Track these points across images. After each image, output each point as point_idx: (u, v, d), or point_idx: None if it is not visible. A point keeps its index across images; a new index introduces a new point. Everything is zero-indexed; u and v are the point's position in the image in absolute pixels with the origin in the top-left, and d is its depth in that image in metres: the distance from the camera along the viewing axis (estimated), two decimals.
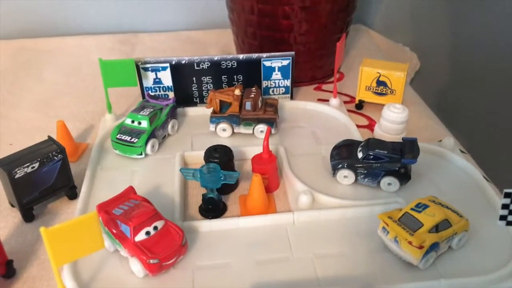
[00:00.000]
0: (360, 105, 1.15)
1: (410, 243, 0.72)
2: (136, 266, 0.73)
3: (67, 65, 1.37)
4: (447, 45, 1.76)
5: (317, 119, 1.10)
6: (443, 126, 1.11)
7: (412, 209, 0.76)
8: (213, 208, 0.86)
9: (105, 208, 0.78)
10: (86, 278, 0.74)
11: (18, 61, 1.39)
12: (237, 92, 1.01)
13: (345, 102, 1.17)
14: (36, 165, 0.83)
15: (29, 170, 0.82)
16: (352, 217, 0.84)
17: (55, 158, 0.85)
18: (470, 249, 0.78)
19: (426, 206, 0.76)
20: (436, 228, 0.74)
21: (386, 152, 0.88)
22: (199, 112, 1.11)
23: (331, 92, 1.16)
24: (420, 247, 0.72)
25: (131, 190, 0.82)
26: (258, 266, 0.76)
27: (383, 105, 1.05)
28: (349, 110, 1.14)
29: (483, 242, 0.79)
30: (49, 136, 0.88)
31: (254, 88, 1.04)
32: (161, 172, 0.95)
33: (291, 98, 1.16)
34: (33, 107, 1.18)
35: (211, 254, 0.78)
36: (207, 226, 0.82)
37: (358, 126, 1.07)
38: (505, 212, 0.70)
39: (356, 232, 0.82)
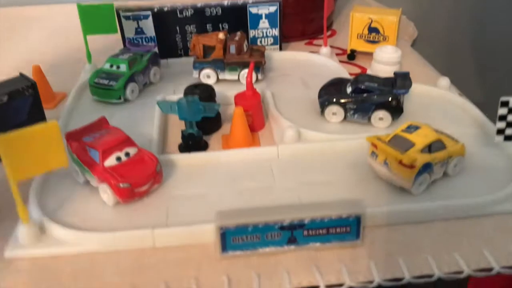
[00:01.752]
0: (352, 55, 1.10)
1: (400, 162, 0.67)
2: (105, 193, 0.68)
3: (52, 29, 1.33)
4: (445, 13, 1.72)
5: (307, 67, 1.05)
6: (438, 73, 1.06)
7: (402, 130, 0.71)
8: (193, 144, 0.81)
9: (74, 136, 0.73)
10: (53, 208, 0.69)
11: (3, 27, 1.35)
12: (221, 36, 0.97)
13: (336, 55, 1.12)
14: (5, 98, 0.78)
15: None
16: (340, 150, 0.79)
17: (26, 93, 0.80)
18: (467, 177, 0.72)
19: (417, 128, 0.70)
20: (429, 148, 0.68)
21: (376, 84, 0.83)
22: (183, 63, 1.07)
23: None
24: (411, 166, 0.66)
25: (103, 120, 0.77)
26: (238, 195, 0.71)
27: None
28: (341, 61, 1.09)
29: (481, 170, 0.74)
30: (20, 73, 0.84)
31: (239, 32, 0.99)
32: (140, 116, 0.90)
33: (280, 49, 1.11)
34: (15, 63, 1.14)
35: (188, 185, 0.73)
36: (185, 159, 0.77)
37: (350, 75, 1.02)
38: (502, 124, 0.65)
39: (345, 164, 0.76)
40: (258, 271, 0.60)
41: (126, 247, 0.63)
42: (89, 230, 0.64)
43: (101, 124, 0.76)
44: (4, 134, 0.56)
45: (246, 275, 0.60)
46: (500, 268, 0.59)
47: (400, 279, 0.59)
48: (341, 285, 0.58)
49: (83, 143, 0.71)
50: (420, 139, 0.68)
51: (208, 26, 1.07)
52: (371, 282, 0.59)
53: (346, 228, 0.62)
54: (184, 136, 0.81)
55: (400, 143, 0.69)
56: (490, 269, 0.60)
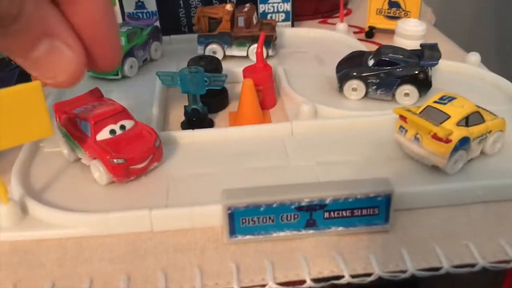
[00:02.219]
0: (371, 32, 1.01)
1: (434, 136, 0.58)
2: (98, 171, 0.60)
3: None
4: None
5: (322, 45, 0.97)
6: (464, 52, 0.97)
7: (435, 101, 0.62)
8: (197, 121, 0.73)
9: (63, 108, 0.65)
10: (38, 187, 0.61)
11: None
12: (229, 7, 0.89)
13: (354, 33, 1.04)
14: None
15: None
16: (363, 127, 0.70)
17: (12, 63, 0.73)
18: (507, 156, 0.64)
19: (452, 98, 0.62)
20: (466, 122, 0.60)
21: (401, 56, 0.74)
22: (187, 40, 0.98)
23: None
24: (447, 141, 0.57)
25: (96, 91, 0.69)
26: (248, 174, 0.63)
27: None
28: (359, 39, 1.00)
29: None
30: None
31: (247, 4, 0.91)
32: (140, 94, 0.82)
33: (292, 25, 1.03)
34: None
35: (191, 164, 0.65)
36: (188, 136, 0.69)
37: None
38: None
39: (368, 142, 0.68)
40: (272, 258, 0.52)
41: (119, 230, 0.55)
42: (78, 211, 0.56)
43: (95, 95, 0.68)
44: None
45: (257, 262, 0.51)
46: None
47: (437, 269, 0.50)
48: (369, 274, 0.50)
49: (73, 115, 0.63)
50: (456, 110, 0.60)
51: (214, 1, 0.98)
52: (404, 271, 0.50)
53: (374, 209, 0.53)
54: (187, 112, 0.73)
55: (433, 115, 0.60)
56: None
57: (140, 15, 0.98)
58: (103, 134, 0.61)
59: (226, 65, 0.87)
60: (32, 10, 0.30)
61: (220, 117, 0.77)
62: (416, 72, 0.73)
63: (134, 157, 0.59)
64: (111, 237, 0.55)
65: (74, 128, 0.62)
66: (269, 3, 1.00)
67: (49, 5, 0.32)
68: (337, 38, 0.97)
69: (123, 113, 0.63)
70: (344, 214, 0.53)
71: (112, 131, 0.61)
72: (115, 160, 0.58)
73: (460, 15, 1.62)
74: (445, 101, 0.61)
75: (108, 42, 0.35)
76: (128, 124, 0.63)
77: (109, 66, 0.36)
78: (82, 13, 0.33)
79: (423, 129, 0.59)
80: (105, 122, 0.61)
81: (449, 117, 0.59)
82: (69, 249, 0.54)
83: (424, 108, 0.62)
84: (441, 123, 0.59)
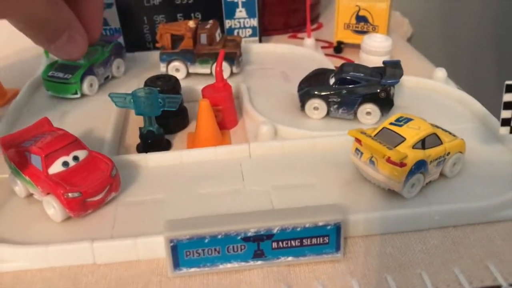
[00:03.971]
0: (339, 47, 1.00)
1: (388, 160, 0.56)
2: (51, 208, 0.57)
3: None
4: (439, 10, 1.62)
5: (289, 60, 0.95)
6: (434, 66, 0.96)
7: (391, 123, 0.60)
8: (152, 143, 0.70)
9: (11, 142, 0.62)
10: None
11: None
12: (191, 24, 0.87)
13: (322, 48, 1.02)
14: None
15: None
16: (322, 148, 0.69)
17: None
18: (467, 178, 0.62)
19: (409, 120, 0.60)
20: (423, 144, 0.58)
21: (362, 74, 0.73)
22: (151, 57, 0.96)
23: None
24: (402, 165, 0.56)
25: (45, 121, 0.66)
26: (200, 199, 0.61)
27: None
28: (327, 55, 0.99)
29: (483, 170, 0.63)
30: None
31: (210, 21, 0.89)
32: (97, 114, 0.79)
33: (260, 41, 1.01)
34: None
35: (143, 190, 0.63)
36: (142, 160, 0.67)
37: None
38: (508, 113, 0.55)
39: (327, 164, 0.66)
40: None
41: (61, 263, 0.53)
42: (17, 243, 0.53)
43: (43, 125, 0.65)
44: None
45: None
46: (508, 285, 0.49)
47: None
48: None
49: (22, 149, 0.60)
50: (412, 132, 0.58)
51: (179, 16, 0.97)
52: None
53: (324, 238, 0.51)
54: (143, 134, 0.70)
55: (388, 137, 0.59)
56: (497, 287, 0.49)
57: (103, 32, 0.96)
58: (56, 167, 0.58)
59: (189, 83, 0.85)
60: (59, 14, 0.48)
61: (179, 138, 0.75)
62: (378, 90, 0.71)
63: (90, 189, 0.57)
64: (52, 270, 0.52)
65: (24, 162, 0.59)
66: (235, 19, 0.98)
67: (66, 6, 0.49)
68: (304, 54, 0.96)
69: (75, 143, 0.60)
70: (293, 244, 0.51)
71: (65, 163, 0.58)
72: (70, 194, 0.55)
73: (440, 24, 1.61)
74: (401, 123, 0.60)
75: (100, 25, 0.57)
76: (81, 154, 0.60)
77: (95, 40, 0.57)
78: (88, 8, 0.54)
79: (377, 153, 0.57)
80: (56, 154, 0.58)
81: (404, 139, 0.58)
82: (7, 284, 0.51)
83: (380, 130, 0.60)
84: (396, 146, 0.57)
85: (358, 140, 0.60)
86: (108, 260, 0.53)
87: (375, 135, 0.60)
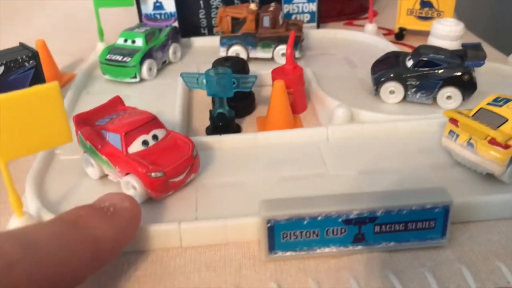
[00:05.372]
0: (401, 34, 0.96)
1: (491, 141, 0.52)
2: (131, 189, 0.54)
3: (57, 11, 1.20)
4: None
5: (351, 46, 0.92)
6: (501, 54, 0.92)
7: (489, 103, 0.56)
8: (223, 126, 0.67)
9: (85, 120, 0.59)
10: (55, 200, 0.56)
11: (4, 10, 1.23)
12: (253, 6, 0.84)
13: (383, 35, 0.99)
14: (1, 69, 0.66)
15: None
16: (404, 132, 0.65)
17: (26, 64, 0.68)
18: None
19: (508, 100, 0.56)
20: None
21: (443, 56, 0.69)
22: (207, 43, 0.93)
23: (364, 26, 0.97)
24: (506, 146, 0.52)
25: (118, 100, 0.63)
26: (282, 182, 0.57)
27: (428, 32, 0.87)
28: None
29: None
30: (20, 42, 0.71)
31: (272, 4, 0.86)
32: (160, 97, 0.77)
33: (318, 26, 0.98)
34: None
35: (220, 172, 0.59)
36: (216, 142, 0.64)
37: None
38: None
39: (412, 148, 0.62)
40: (317, 277, 0.46)
41: (145, 246, 0.49)
42: None
43: (116, 104, 0.62)
44: None
45: (301, 282, 0.46)
46: None
47: None
48: None
49: (97, 127, 0.57)
50: None
51: (236, 1, 0.93)
52: None
53: (430, 222, 0.47)
54: (213, 116, 0.67)
55: (488, 118, 0.55)
56: None
57: (158, 16, 0.94)
58: (135, 146, 0.55)
59: (250, 68, 0.82)
60: None
61: (247, 122, 0.72)
62: (460, 73, 0.68)
63: (173, 169, 0.53)
64: (136, 254, 0.49)
65: (100, 141, 0.56)
66: (293, 3, 0.95)
67: None
68: (366, 40, 0.92)
69: (154, 121, 0.57)
70: (397, 228, 0.47)
71: (145, 142, 0.55)
72: (153, 174, 0.52)
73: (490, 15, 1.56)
74: (500, 103, 0.56)
75: None
76: (160, 133, 0.57)
77: None
78: None
79: (478, 134, 0.53)
80: (136, 133, 0.55)
81: (506, 120, 0.54)
82: None
83: (477, 111, 0.56)
84: (498, 127, 0.53)
85: (454, 121, 0.56)
86: (195, 243, 0.49)
87: (472, 116, 0.56)
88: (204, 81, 0.65)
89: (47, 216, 0.51)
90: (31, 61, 0.68)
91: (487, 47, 0.93)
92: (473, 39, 0.96)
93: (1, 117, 0.44)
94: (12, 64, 0.66)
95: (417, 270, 0.46)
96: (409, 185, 0.55)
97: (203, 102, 0.75)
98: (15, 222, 0.49)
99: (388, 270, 0.46)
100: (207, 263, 0.48)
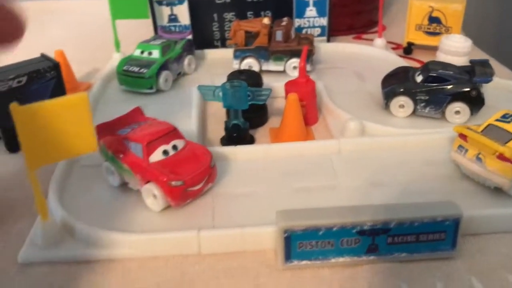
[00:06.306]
0: (409, 48, 0.98)
1: (500, 156, 0.54)
2: (151, 196, 0.56)
3: (72, 22, 1.23)
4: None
5: (360, 60, 0.94)
6: (508, 70, 0.94)
7: (497, 120, 0.58)
8: (238, 137, 0.69)
9: (107, 129, 0.61)
10: (77, 205, 0.58)
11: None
12: (266, 21, 0.86)
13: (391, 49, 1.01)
14: (24, 79, 0.68)
15: (14, 84, 0.67)
16: (413, 146, 0.67)
17: (48, 74, 0.70)
18: None
19: None
20: None
21: (452, 72, 0.71)
22: (220, 54, 0.96)
23: (373, 40, 1.00)
24: None
25: (138, 111, 0.65)
26: (295, 193, 0.59)
27: (436, 47, 0.89)
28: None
29: None
30: (42, 53, 0.73)
31: (285, 18, 0.88)
32: (175, 108, 0.79)
33: (328, 40, 1.00)
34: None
35: (235, 182, 0.61)
36: (231, 153, 0.66)
37: None
38: None
39: (421, 161, 0.64)
40: (331, 285, 0.48)
41: (165, 252, 0.51)
42: (121, 231, 0.52)
43: (137, 115, 0.64)
44: (20, 106, 0.45)
45: None
46: None
47: None
48: None
49: (120, 137, 0.59)
50: None
51: (249, 14, 0.96)
52: None
53: (441, 234, 0.49)
54: (228, 127, 0.69)
55: (496, 134, 0.57)
56: None
57: (173, 28, 0.96)
58: (156, 156, 0.57)
59: (263, 80, 0.84)
60: None
61: (260, 134, 0.74)
62: (468, 89, 0.70)
63: (192, 178, 0.55)
64: (156, 259, 0.51)
65: (122, 150, 0.58)
66: (305, 18, 0.97)
67: None
68: (376, 54, 0.94)
69: (174, 132, 0.59)
70: (409, 239, 0.49)
71: (165, 152, 0.57)
72: (173, 183, 0.54)
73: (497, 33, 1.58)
74: (508, 119, 0.58)
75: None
76: (180, 144, 0.59)
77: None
78: None
79: (487, 149, 0.55)
80: (157, 143, 0.57)
81: None
82: (111, 272, 0.50)
83: (486, 127, 0.58)
84: (506, 142, 0.55)
85: (463, 136, 0.58)
86: (213, 250, 0.51)
87: (481, 131, 0.58)
88: (221, 93, 0.67)
89: (70, 221, 0.53)
90: (52, 72, 0.70)
91: (494, 63, 0.95)
92: (480, 55, 0.98)
93: (33, 126, 0.46)
94: (34, 75, 0.68)
95: (428, 280, 0.48)
96: (419, 197, 0.57)
97: (216, 113, 0.77)
98: (39, 226, 0.51)
99: (400, 280, 0.48)
100: (225, 271, 0.50)
